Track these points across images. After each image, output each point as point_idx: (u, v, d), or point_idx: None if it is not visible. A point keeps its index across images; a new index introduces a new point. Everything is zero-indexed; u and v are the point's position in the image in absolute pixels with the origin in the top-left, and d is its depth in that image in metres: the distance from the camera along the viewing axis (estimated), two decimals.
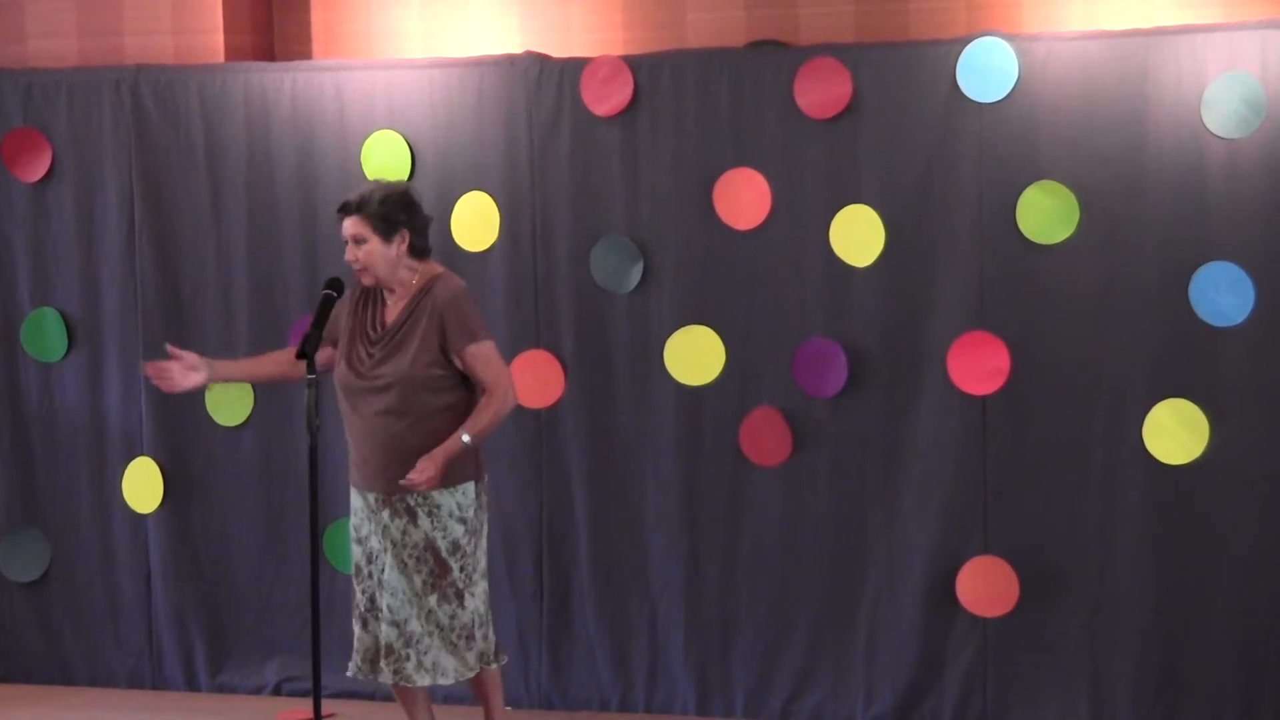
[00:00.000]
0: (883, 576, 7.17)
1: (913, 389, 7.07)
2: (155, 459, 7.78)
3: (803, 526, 7.23)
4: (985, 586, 7.00)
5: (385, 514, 6.26)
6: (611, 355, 7.35)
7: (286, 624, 7.74)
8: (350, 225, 6.22)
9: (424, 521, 6.22)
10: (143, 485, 7.79)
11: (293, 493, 7.62)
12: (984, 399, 7.00)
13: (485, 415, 6.16)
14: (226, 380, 6.71)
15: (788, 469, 7.22)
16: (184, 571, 7.82)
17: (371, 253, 6.21)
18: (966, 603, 7.03)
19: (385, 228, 6.20)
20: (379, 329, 6.27)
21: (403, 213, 6.22)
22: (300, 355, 6.22)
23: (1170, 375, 6.83)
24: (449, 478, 6.19)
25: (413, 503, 6.22)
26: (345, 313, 6.36)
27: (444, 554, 6.23)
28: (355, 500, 6.37)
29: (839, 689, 7.24)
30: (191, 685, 7.86)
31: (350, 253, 6.24)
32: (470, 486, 6.27)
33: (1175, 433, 6.80)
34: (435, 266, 6.35)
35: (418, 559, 6.23)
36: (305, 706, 7.29)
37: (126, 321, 7.78)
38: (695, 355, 7.25)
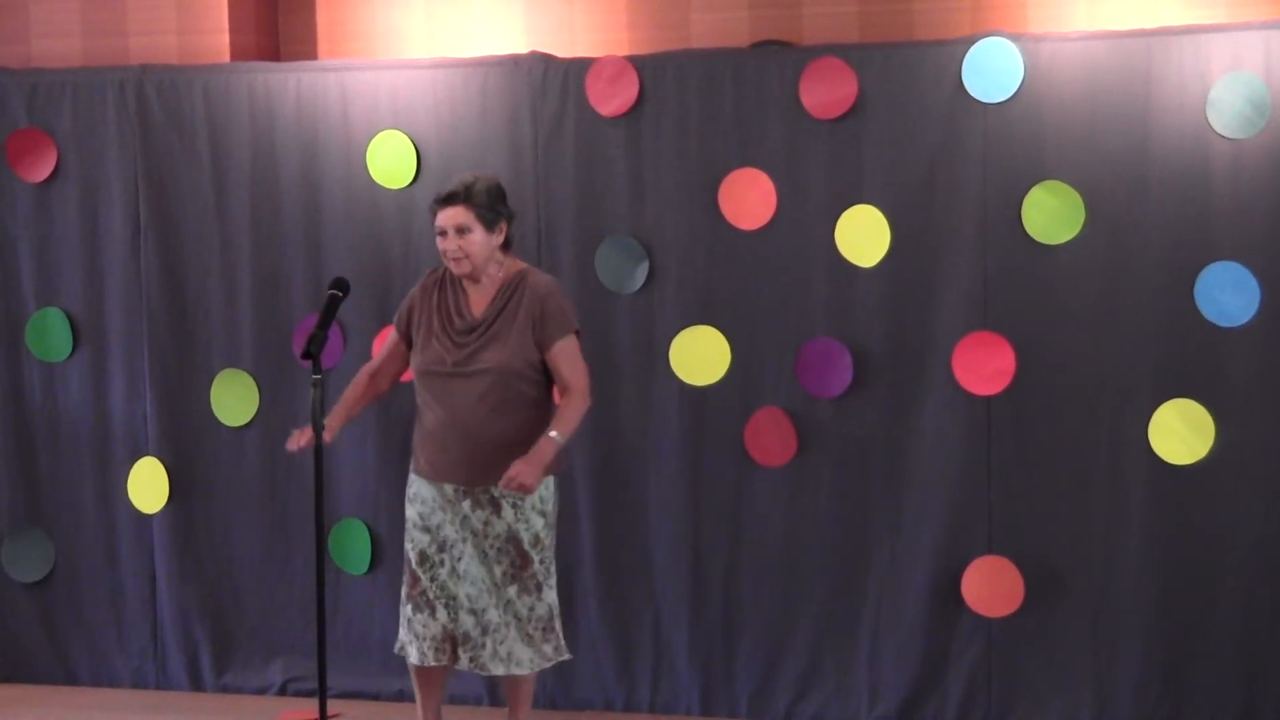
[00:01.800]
0: (887, 576, 7.17)
1: (917, 389, 7.08)
2: (160, 459, 7.78)
3: (807, 526, 7.23)
4: (990, 586, 7.00)
5: (466, 504, 6.29)
6: (616, 355, 7.35)
7: (291, 624, 7.74)
8: (456, 215, 6.25)
9: (507, 513, 6.27)
10: (148, 485, 7.79)
11: (298, 493, 7.62)
12: (989, 399, 7.00)
13: (572, 413, 6.23)
14: (342, 422, 6.56)
15: (792, 469, 7.22)
16: (189, 572, 7.82)
17: (475, 242, 6.26)
18: (971, 602, 7.03)
19: (490, 218, 6.28)
20: (465, 318, 6.31)
21: (503, 204, 6.33)
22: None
23: (1175, 375, 6.83)
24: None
25: (497, 494, 6.26)
26: (418, 303, 6.40)
27: (526, 546, 6.28)
28: (424, 490, 6.36)
29: (843, 689, 7.25)
30: (196, 686, 7.86)
31: (450, 242, 6.26)
32: (551, 480, 6.35)
33: (1180, 433, 6.80)
34: (517, 260, 6.43)
35: (499, 550, 6.27)
36: (310, 707, 7.30)
37: (131, 321, 7.78)
38: (700, 355, 7.26)
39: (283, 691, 7.73)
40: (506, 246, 6.38)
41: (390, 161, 7.48)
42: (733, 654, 7.34)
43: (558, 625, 6.39)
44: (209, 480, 7.78)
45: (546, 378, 6.34)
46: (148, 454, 7.79)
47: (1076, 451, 6.95)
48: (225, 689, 7.82)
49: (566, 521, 7.46)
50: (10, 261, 7.90)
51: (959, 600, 7.05)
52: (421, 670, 6.48)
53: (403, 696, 7.54)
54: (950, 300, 7.02)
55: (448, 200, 6.27)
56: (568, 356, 6.30)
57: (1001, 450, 7.02)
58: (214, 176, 7.69)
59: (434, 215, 6.32)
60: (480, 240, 6.27)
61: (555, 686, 7.51)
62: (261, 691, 7.77)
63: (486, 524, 6.28)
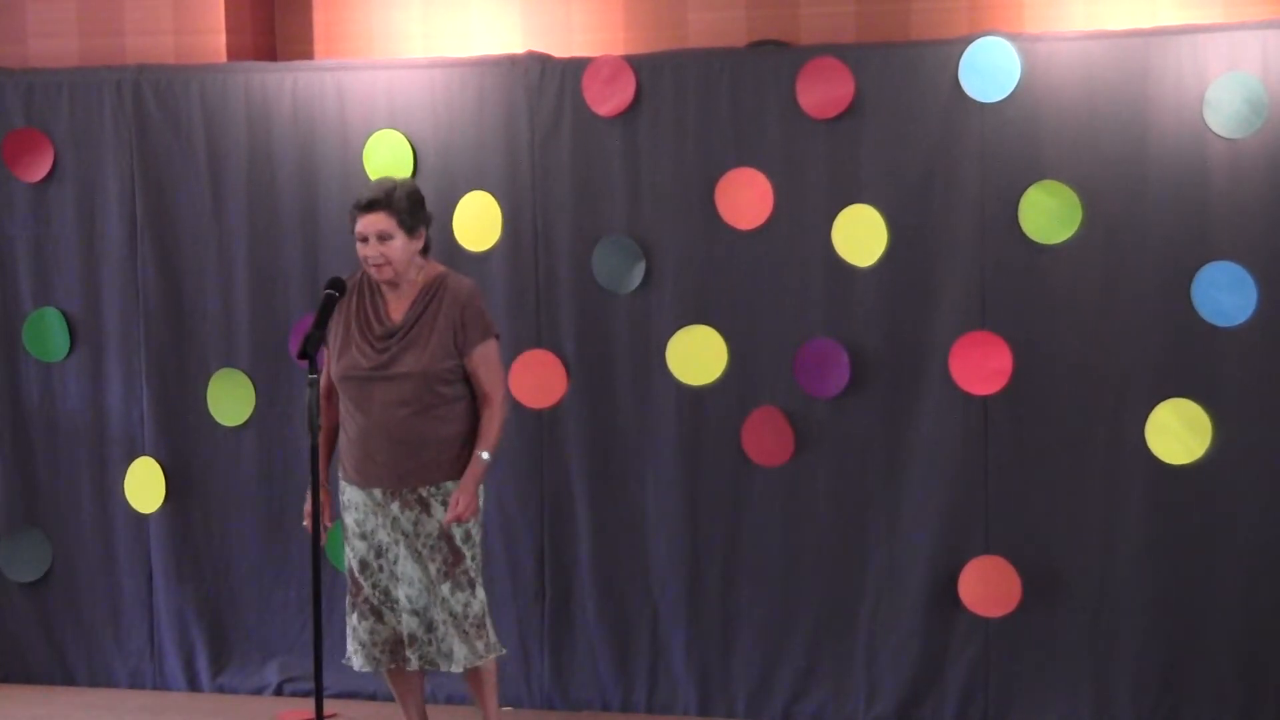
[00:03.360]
0: (884, 576, 7.16)
1: (915, 389, 7.07)
2: (156, 459, 7.78)
3: (804, 527, 7.23)
4: (987, 586, 7.00)
5: (394, 506, 6.29)
6: (613, 355, 7.35)
7: (288, 624, 7.73)
8: (376, 221, 6.25)
9: (438, 511, 6.29)
10: (144, 485, 7.79)
11: (294, 493, 7.61)
12: (986, 399, 7.00)
13: (494, 428, 6.32)
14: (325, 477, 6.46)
15: (789, 469, 7.21)
16: (185, 572, 7.82)
17: (397, 248, 6.27)
18: (968, 602, 7.02)
19: (410, 224, 6.28)
20: (384, 323, 6.32)
21: (422, 210, 6.34)
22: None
23: (1172, 375, 6.82)
24: (461, 469, 6.29)
25: (425, 494, 6.28)
26: (343, 310, 6.39)
27: (458, 542, 6.30)
28: (355, 497, 6.38)
29: (840, 689, 7.24)
30: (193, 686, 7.86)
31: (372, 249, 6.27)
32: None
33: (1177, 432, 6.80)
34: (436, 264, 6.45)
35: (432, 548, 6.28)
36: (306, 707, 7.30)
37: (128, 321, 7.78)
38: (697, 355, 7.25)
39: (279, 692, 7.73)
40: (425, 251, 6.39)
41: (387, 161, 7.47)
42: (730, 654, 7.34)
43: (489, 621, 6.40)
44: (205, 480, 7.77)
45: (467, 377, 6.35)
46: (144, 454, 7.79)
47: (1073, 451, 6.94)
48: (222, 689, 7.81)
49: (563, 522, 7.47)
50: (7, 261, 7.90)
51: (956, 600, 7.05)
52: (394, 675, 6.50)
53: None
54: (947, 300, 7.02)
55: (369, 207, 6.27)
56: (487, 363, 6.32)
57: (998, 450, 7.01)
58: (210, 176, 7.68)
59: (353, 221, 6.32)
60: (401, 246, 6.27)
61: (552, 687, 7.51)
62: (258, 692, 7.76)
63: (416, 524, 6.30)
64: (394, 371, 6.26)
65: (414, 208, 6.30)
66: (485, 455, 6.27)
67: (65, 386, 7.87)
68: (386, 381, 6.27)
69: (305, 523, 6.36)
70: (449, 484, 6.29)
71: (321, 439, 6.40)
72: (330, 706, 7.35)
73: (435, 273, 6.39)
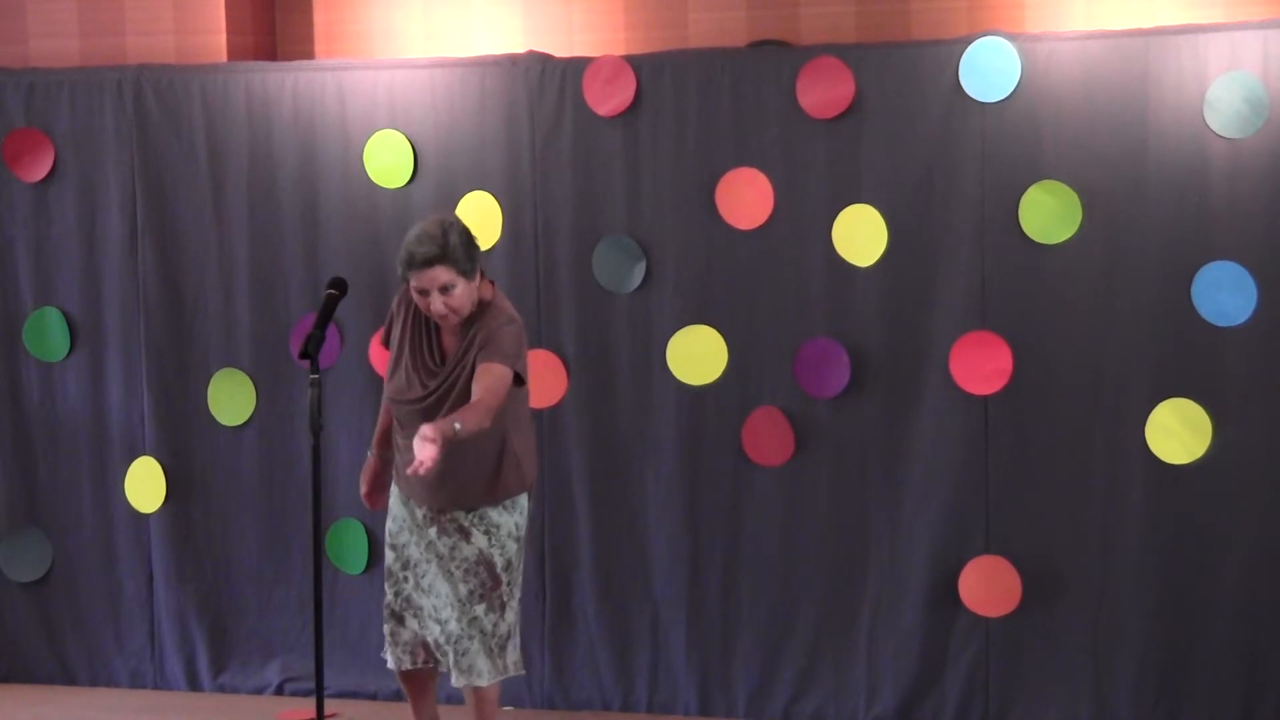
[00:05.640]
0: (884, 576, 7.17)
1: (915, 389, 7.07)
2: (157, 458, 7.78)
3: (804, 527, 7.23)
4: (987, 586, 7.00)
5: (432, 531, 6.24)
6: (613, 355, 7.35)
7: (289, 624, 7.74)
8: (438, 276, 5.99)
9: (479, 539, 6.21)
10: (145, 485, 7.79)
11: (295, 492, 7.62)
12: (986, 399, 7.00)
13: (473, 416, 5.90)
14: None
15: (789, 469, 7.22)
16: (186, 571, 7.82)
17: (461, 295, 6.05)
18: (969, 602, 7.03)
19: (470, 268, 6.06)
20: (437, 359, 6.17)
21: (476, 247, 6.11)
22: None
23: (1173, 375, 6.83)
24: (505, 494, 6.21)
25: (466, 523, 6.21)
26: (401, 321, 6.24)
27: (498, 569, 6.22)
28: (397, 508, 6.32)
29: (841, 689, 7.25)
30: (193, 685, 7.86)
31: (436, 302, 6.03)
32: (525, 500, 6.29)
33: (1177, 433, 6.80)
34: (488, 286, 6.23)
35: (467, 571, 6.22)
36: (307, 707, 7.30)
37: (128, 321, 7.78)
38: (697, 355, 7.25)
39: (280, 691, 7.73)
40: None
41: (387, 161, 7.48)
42: (730, 654, 7.34)
43: (517, 638, 6.33)
44: (206, 480, 7.78)
45: (505, 408, 6.10)
46: (145, 453, 7.79)
47: (1074, 451, 6.95)
48: (222, 689, 7.82)
49: (563, 521, 7.47)
50: (8, 261, 7.90)
51: (956, 600, 7.05)
52: (407, 676, 6.46)
53: (400, 696, 7.52)
54: (948, 300, 7.02)
55: (427, 264, 6.00)
56: (488, 376, 5.99)
57: (999, 450, 7.02)
58: (211, 176, 7.68)
59: (406, 276, 6.05)
60: (463, 292, 6.03)
61: (553, 687, 7.51)
62: (259, 691, 7.76)
63: (453, 549, 6.22)
64: (437, 411, 6.08)
65: (469, 250, 6.04)
66: (458, 426, 5.82)
67: (65, 386, 7.88)
68: (428, 417, 6.04)
69: (363, 490, 6.47)
70: (492, 513, 6.20)
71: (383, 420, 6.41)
72: (331, 706, 7.37)
73: (483, 300, 6.16)
